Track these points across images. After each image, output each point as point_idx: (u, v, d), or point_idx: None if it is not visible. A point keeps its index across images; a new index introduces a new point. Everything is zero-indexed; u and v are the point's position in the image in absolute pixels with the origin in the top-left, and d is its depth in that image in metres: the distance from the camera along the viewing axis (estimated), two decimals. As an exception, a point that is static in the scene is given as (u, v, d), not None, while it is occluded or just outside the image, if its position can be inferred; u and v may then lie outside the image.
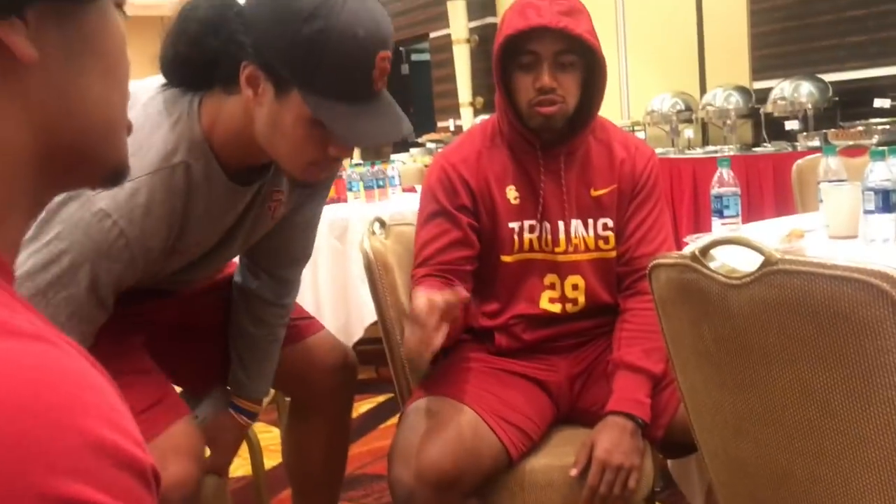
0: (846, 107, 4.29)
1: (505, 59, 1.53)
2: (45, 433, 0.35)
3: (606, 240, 1.60)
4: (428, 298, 1.23)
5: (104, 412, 0.38)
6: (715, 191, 1.86)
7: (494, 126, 1.64)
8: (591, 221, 1.60)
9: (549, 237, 1.59)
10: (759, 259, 0.95)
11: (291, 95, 1.12)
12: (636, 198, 1.61)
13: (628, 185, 1.61)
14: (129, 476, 0.38)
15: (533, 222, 1.58)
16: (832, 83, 4.34)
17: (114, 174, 0.54)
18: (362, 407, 3.18)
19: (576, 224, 1.59)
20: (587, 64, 1.54)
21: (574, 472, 1.43)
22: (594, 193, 1.60)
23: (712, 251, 1.04)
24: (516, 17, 1.49)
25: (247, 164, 1.26)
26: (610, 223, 1.60)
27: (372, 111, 1.18)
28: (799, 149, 4.00)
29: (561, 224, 1.58)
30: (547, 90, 1.49)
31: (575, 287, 1.60)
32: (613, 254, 1.61)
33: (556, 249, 1.59)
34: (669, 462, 1.75)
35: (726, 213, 1.84)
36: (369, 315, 3.15)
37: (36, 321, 0.41)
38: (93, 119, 0.50)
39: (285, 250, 1.53)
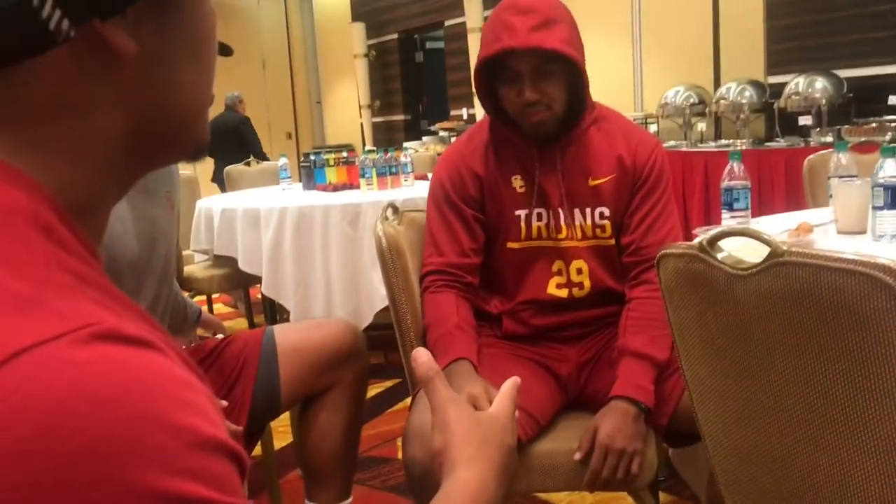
0: (860, 103, 4.28)
1: (489, 71, 1.57)
2: (154, 435, 0.38)
3: (603, 228, 1.64)
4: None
5: (205, 410, 0.41)
6: (725, 184, 1.88)
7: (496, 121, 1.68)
8: (588, 210, 1.63)
9: (553, 224, 1.62)
10: (766, 251, 0.97)
11: None
12: (640, 190, 1.63)
13: (629, 177, 1.63)
14: (226, 461, 0.41)
15: (540, 210, 1.62)
16: (847, 79, 4.33)
17: (195, 152, 0.55)
18: (371, 391, 3.21)
19: (575, 212, 1.62)
20: (571, 66, 1.54)
21: (578, 456, 1.46)
22: (592, 183, 1.63)
23: (720, 243, 1.06)
24: (491, 38, 1.51)
25: None
26: (606, 212, 1.63)
27: None
28: (812, 144, 4.00)
29: (561, 211, 1.62)
30: (531, 103, 1.53)
31: (580, 271, 1.64)
32: (611, 242, 1.64)
33: (559, 236, 1.63)
34: (671, 451, 1.77)
35: (736, 206, 1.85)
36: (379, 301, 3.18)
37: (141, 324, 0.43)
38: (182, 106, 0.51)
39: None
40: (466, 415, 0.75)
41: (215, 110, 8.02)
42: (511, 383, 0.80)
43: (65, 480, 0.35)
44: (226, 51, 1.19)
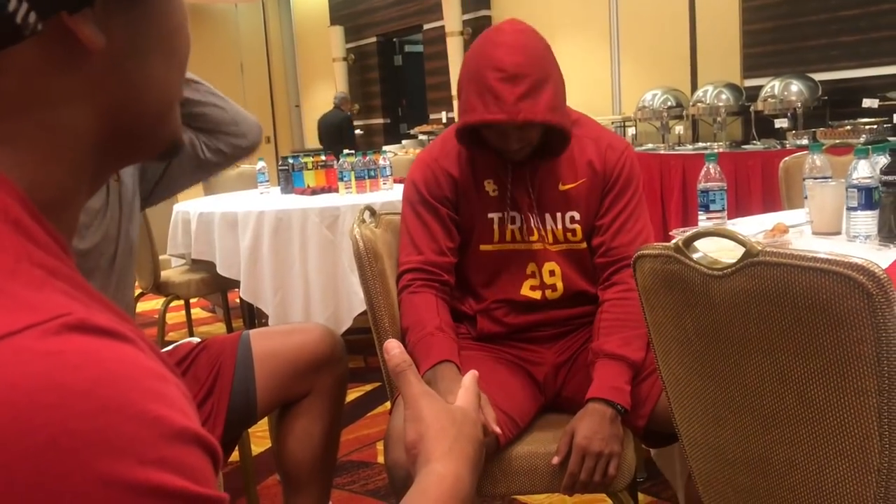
0: (835, 106, 4.33)
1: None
2: (126, 426, 0.37)
3: (574, 232, 1.65)
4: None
5: (177, 402, 0.41)
6: (701, 185, 1.89)
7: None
8: (559, 215, 1.64)
9: (525, 227, 1.63)
10: (741, 252, 0.97)
11: None
12: (610, 192, 1.65)
13: (599, 181, 1.64)
14: (199, 451, 0.41)
15: (514, 214, 1.62)
16: (822, 82, 4.37)
17: (169, 149, 0.54)
18: (350, 395, 3.19)
19: (546, 217, 1.63)
20: None
21: (556, 460, 1.46)
22: (562, 188, 1.64)
23: (696, 243, 1.06)
24: (477, 102, 1.47)
25: None
26: (577, 216, 1.64)
27: None
28: (787, 147, 4.03)
29: (532, 216, 1.63)
30: (515, 152, 1.56)
31: (552, 273, 1.64)
32: (583, 245, 1.65)
33: (531, 238, 1.63)
34: (653, 450, 1.77)
35: (712, 207, 1.86)
36: (358, 304, 3.17)
37: (112, 316, 0.42)
38: (152, 102, 0.50)
39: None
40: (440, 408, 0.74)
41: (324, 109, 8.18)
42: (471, 377, 0.80)
43: (37, 471, 0.35)
44: None
